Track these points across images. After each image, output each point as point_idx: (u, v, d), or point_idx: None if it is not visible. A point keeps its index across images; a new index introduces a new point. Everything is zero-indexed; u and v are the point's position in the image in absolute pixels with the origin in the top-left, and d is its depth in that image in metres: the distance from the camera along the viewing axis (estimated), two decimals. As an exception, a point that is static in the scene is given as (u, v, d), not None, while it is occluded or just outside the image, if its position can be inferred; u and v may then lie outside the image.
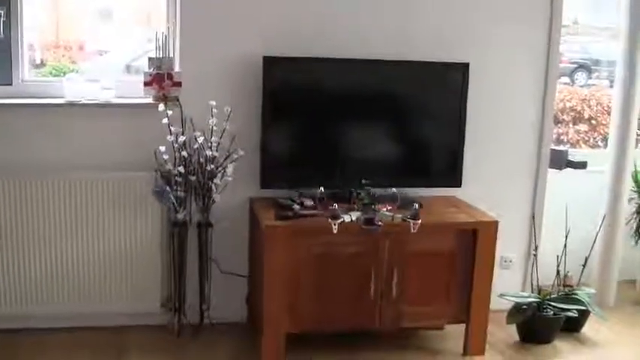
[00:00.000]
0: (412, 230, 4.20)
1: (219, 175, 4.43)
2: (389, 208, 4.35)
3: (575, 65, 6.96)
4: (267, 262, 4.21)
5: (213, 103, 4.34)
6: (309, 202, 4.41)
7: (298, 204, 4.39)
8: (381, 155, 4.75)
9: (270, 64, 4.43)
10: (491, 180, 5.00)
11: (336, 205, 4.18)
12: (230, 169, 4.43)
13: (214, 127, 4.37)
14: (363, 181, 4.50)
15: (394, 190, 4.40)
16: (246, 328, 4.76)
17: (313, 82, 4.62)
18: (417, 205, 4.24)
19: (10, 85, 4.54)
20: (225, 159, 4.42)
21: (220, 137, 4.39)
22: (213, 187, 4.43)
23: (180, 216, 4.47)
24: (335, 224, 4.12)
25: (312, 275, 4.27)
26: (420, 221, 4.19)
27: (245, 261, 4.78)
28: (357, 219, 4.24)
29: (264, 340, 4.28)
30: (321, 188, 4.28)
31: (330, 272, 4.30)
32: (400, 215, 4.27)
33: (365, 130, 4.73)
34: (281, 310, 4.25)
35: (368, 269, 4.32)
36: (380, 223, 4.20)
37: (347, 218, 4.22)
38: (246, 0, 4.59)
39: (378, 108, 4.68)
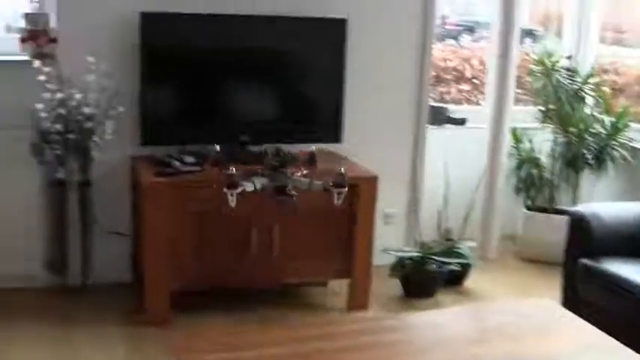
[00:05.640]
0: (335, 202, 3.52)
1: (99, 133, 4.37)
2: (305, 172, 3.71)
3: (461, 28, 7.04)
4: (148, 220, 4.19)
5: (92, 59, 4.25)
6: (189, 159, 4.40)
7: (178, 161, 4.37)
8: (262, 111, 4.76)
9: (148, 20, 4.37)
10: (372, 136, 5.05)
11: (233, 169, 3.38)
12: (109, 126, 4.37)
13: (93, 84, 4.29)
14: (242, 138, 4.51)
15: (313, 147, 3.93)
16: (132, 287, 4.69)
17: (192, 39, 4.57)
18: (342, 170, 3.56)
19: None
20: (105, 116, 4.36)
21: (99, 94, 4.32)
22: (92, 145, 4.36)
23: (59, 175, 4.39)
24: (232, 194, 3.38)
25: (194, 232, 4.26)
26: (346, 189, 3.49)
27: (128, 220, 4.74)
28: (264, 187, 3.56)
29: (148, 298, 4.27)
30: (217, 147, 4.15)
31: (211, 229, 4.29)
32: (320, 182, 3.62)
33: (245, 86, 4.72)
34: (163, 267, 4.23)
35: (249, 225, 4.32)
36: (293, 192, 3.53)
37: (249, 186, 3.48)
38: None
39: (258, 64, 4.68)
